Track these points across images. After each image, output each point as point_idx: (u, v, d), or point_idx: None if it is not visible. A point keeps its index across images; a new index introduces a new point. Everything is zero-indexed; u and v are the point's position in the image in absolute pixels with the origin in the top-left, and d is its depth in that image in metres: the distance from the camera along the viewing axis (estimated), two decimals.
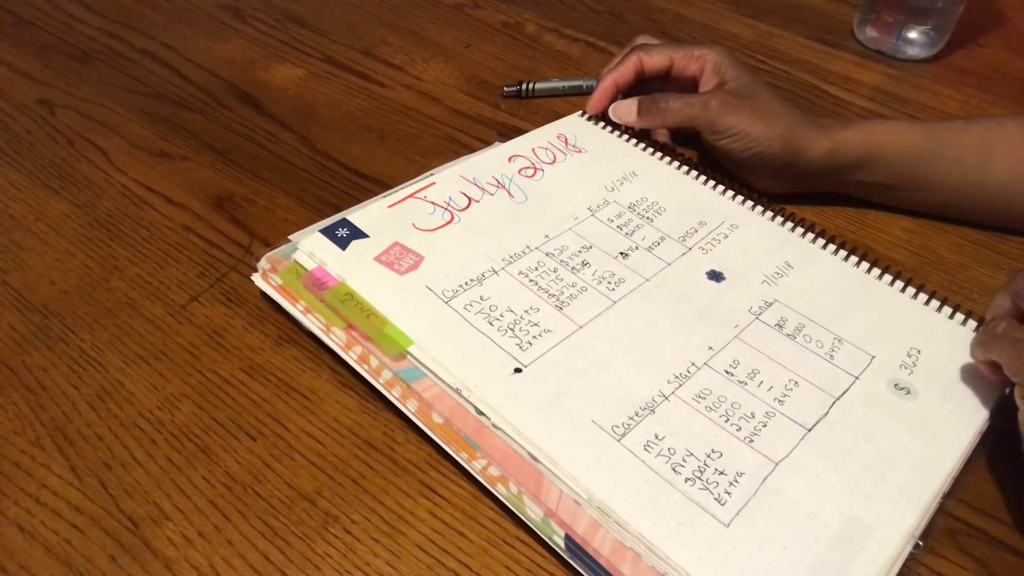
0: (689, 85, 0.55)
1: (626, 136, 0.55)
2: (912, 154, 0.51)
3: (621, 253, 0.46)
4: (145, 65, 0.65)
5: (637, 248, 0.46)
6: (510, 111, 0.63)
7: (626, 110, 0.54)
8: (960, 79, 0.71)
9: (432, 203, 0.47)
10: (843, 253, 0.47)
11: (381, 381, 0.39)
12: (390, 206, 0.47)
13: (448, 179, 0.49)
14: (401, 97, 0.64)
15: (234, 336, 0.44)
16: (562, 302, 0.42)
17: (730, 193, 0.51)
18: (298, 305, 0.42)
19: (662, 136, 0.59)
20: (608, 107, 0.56)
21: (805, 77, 0.70)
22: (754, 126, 0.51)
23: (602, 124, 0.56)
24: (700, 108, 0.52)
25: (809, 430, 0.37)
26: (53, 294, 0.45)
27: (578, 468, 0.34)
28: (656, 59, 0.55)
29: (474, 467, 0.37)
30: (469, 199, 0.48)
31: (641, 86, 0.56)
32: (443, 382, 0.38)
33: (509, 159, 0.52)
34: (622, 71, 0.55)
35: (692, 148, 0.57)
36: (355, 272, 0.42)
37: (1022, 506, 0.38)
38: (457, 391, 0.37)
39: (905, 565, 0.33)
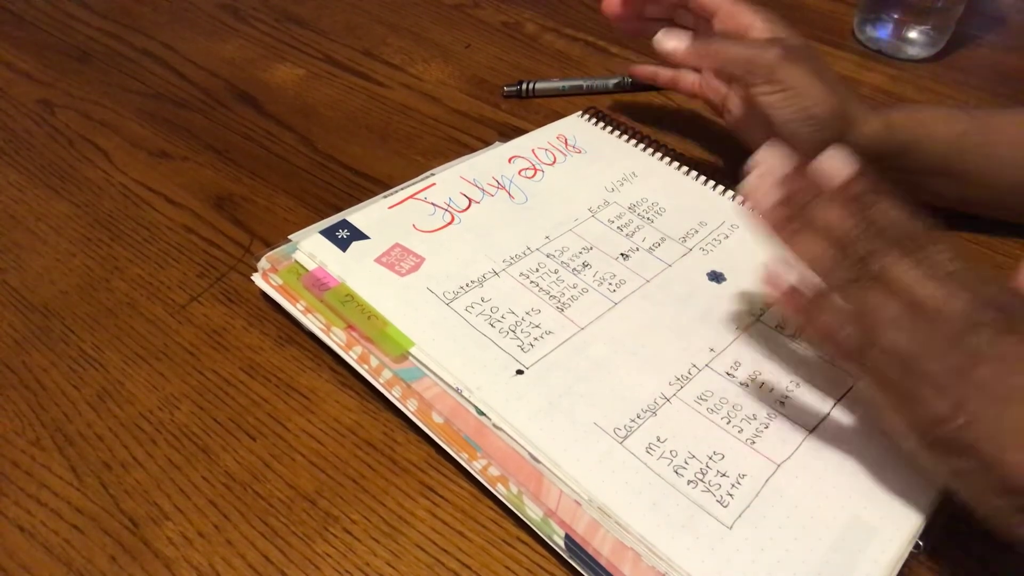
0: None
1: (626, 136, 0.55)
2: (958, 142, 0.49)
3: (622, 254, 0.46)
4: (145, 65, 0.65)
5: (638, 249, 0.46)
6: (510, 111, 0.63)
7: (675, 42, 0.49)
8: (960, 79, 0.71)
9: (432, 204, 0.47)
10: None
11: (381, 381, 0.39)
12: (390, 207, 0.47)
13: (448, 180, 0.49)
14: (401, 97, 0.64)
15: (234, 336, 0.44)
16: (563, 303, 0.42)
17: (730, 193, 0.51)
18: (298, 305, 0.42)
19: (690, 85, 0.55)
20: (623, 10, 0.54)
21: None
22: (814, 85, 0.47)
23: (602, 124, 0.56)
24: (758, 52, 0.47)
25: (811, 431, 0.37)
26: (53, 294, 0.45)
27: (580, 471, 0.34)
28: None
29: (474, 467, 0.36)
30: (469, 200, 0.48)
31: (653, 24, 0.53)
32: (443, 382, 0.38)
33: (509, 160, 0.52)
34: None
35: (702, 147, 0.57)
36: (356, 273, 0.42)
37: None
38: (458, 391, 0.37)
39: (906, 565, 0.33)
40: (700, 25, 0.53)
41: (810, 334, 0.33)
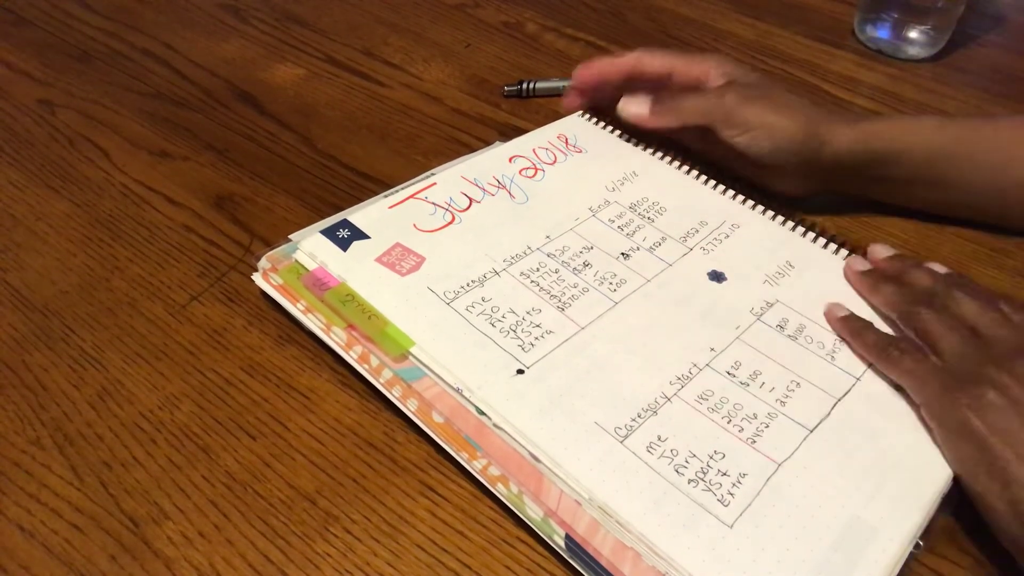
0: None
1: (626, 136, 0.55)
2: (939, 151, 0.50)
3: (622, 254, 0.46)
4: (145, 65, 0.65)
5: (638, 249, 0.46)
6: (511, 111, 0.63)
7: (637, 108, 0.52)
8: (960, 79, 0.71)
9: (433, 204, 0.47)
10: (844, 253, 0.47)
11: (381, 381, 0.39)
12: (391, 207, 0.47)
13: (449, 179, 0.49)
14: (401, 97, 0.64)
15: (234, 335, 0.44)
16: (564, 303, 0.42)
17: (731, 193, 0.51)
18: (298, 305, 0.42)
19: (668, 133, 0.55)
20: (579, 103, 0.56)
21: (805, 77, 0.70)
22: (776, 118, 0.48)
23: (602, 124, 0.56)
24: (715, 102, 0.49)
25: (811, 431, 0.37)
26: (53, 294, 0.45)
27: (581, 470, 0.34)
28: (657, 60, 0.53)
29: (474, 467, 0.36)
30: (470, 200, 0.48)
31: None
32: (444, 382, 0.38)
33: (510, 159, 0.52)
34: (616, 62, 0.53)
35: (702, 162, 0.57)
36: (356, 273, 0.42)
37: None
38: (458, 391, 0.37)
39: (906, 565, 0.33)
40: (660, 88, 0.53)
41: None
